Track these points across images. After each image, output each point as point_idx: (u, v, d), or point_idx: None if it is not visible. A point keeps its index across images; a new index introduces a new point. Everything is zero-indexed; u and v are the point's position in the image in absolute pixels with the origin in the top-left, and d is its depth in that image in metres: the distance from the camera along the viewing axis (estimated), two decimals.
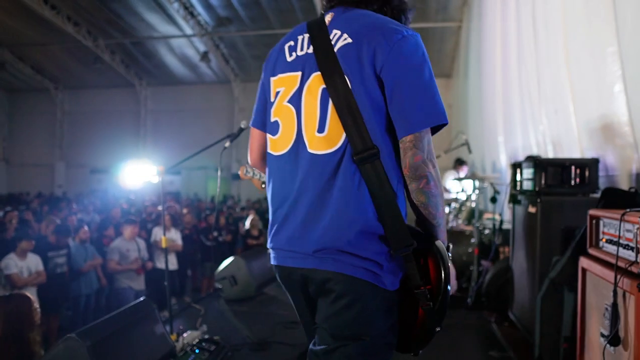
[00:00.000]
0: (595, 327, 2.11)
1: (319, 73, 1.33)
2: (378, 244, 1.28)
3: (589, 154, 3.72)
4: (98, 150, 19.06)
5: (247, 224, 10.02)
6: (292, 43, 1.45)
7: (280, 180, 1.41)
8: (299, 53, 1.40)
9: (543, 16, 4.96)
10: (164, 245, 3.35)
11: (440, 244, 1.29)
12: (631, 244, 1.86)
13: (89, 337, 2.33)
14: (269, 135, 1.45)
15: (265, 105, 1.51)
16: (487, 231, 5.08)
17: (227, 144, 3.09)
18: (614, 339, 1.87)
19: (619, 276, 1.85)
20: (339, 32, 1.35)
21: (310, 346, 1.43)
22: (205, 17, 14.11)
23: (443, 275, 1.26)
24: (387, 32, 1.31)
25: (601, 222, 2.17)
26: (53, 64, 17.67)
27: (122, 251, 6.20)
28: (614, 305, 1.87)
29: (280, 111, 1.40)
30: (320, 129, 1.32)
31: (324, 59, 1.32)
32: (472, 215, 5.06)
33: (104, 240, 7.06)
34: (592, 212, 2.25)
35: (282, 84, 1.42)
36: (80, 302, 6.21)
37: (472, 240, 4.92)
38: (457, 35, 13.91)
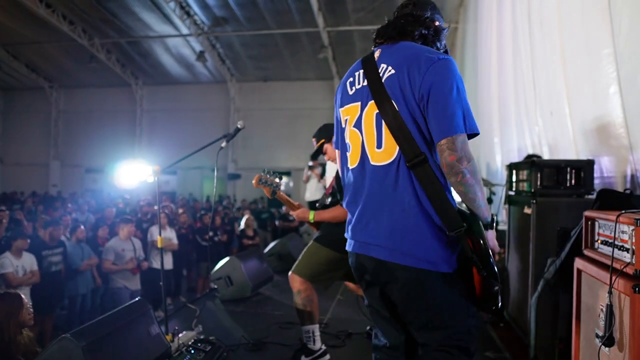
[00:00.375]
0: (591, 328, 2.12)
1: (372, 101, 1.68)
2: (435, 232, 1.60)
3: (584, 156, 3.74)
4: (93, 149, 18.99)
5: (242, 224, 10.01)
6: (351, 79, 1.81)
7: (354, 187, 1.79)
8: (357, 87, 1.77)
9: (539, 18, 4.98)
10: (159, 244, 3.34)
11: (480, 221, 1.64)
12: (626, 246, 1.87)
13: (83, 337, 2.32)
14: (347, 154, 1.83)
15: (339, 131, 1.91)
16: None
17: (224, 144, 3.08)
18: (609, 340, 1.88)
19: (614, 277, 1.86)
20: (385, 66, 1.70)
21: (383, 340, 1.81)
22: (201, 16, 14.09)
23: (482, 243, 1.60)
24: (423, 60, 1.62)
25: (596, 224, 2.18)
26: (48, 62, 17.59)
27: (117, 251, 6.18)
28: (609, 306, 1.88)
29: (350, 135, 1.79)
30: (378, 146, 1.68)
31: (375, 90, 1.68)
32: None
33: (99, 240, 7.03)
34: (587, 213, 2.25)
35: (348, 113, 1.80)
36: (76, 302, 6.18)
37: None
38: (453, 37, 13.93)
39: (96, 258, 6.39)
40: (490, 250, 1.61)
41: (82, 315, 6.13)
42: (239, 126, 3.25)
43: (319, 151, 3.35)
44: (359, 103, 1.74)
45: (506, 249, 3.87)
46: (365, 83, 1.72)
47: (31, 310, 3.23)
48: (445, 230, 1.59)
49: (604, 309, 1.91)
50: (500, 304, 1.67)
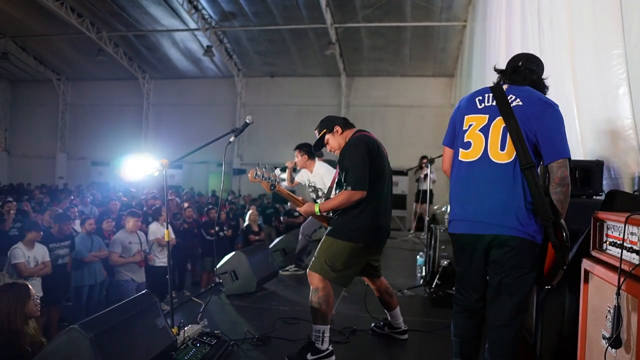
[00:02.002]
0: (597, 329, 2.12)
1: (501, 117, 2.33)
2: (532, 218, 2.28)
3: (592, 157, 3.72)
4: (99, 142, 19.06)
5: (247, 219, 10.03)
6: (480, 97, 2.47)
7: (468, 177, 2.40)
8: (486, 104, 2.42)
9: (548, 17, 4.95)
10: (166, 238, 3.35)
11: (563, 221, 2.28)
12: (635, 247, 1.86)
13: (91, 328, 2.33)
14: (461, 150, 2.45)
15: (454, 131, 2.54)
16: None
17: (232, 138, 3.09)
18: (616, 341, 1.88)
19: (622, 279, 1.85)
20: (513, 96, 2.37)
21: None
22: (209, 11, 14.09)
23: (564, 236, 2.24)
24: (542, 102, 2.36)
25: (605, 225, 2.18)
26: (56, 55, 17.66)
27: (124, 243, 6.23)
28: (617, 307, 1.88)
29: (473, 136, 2.41)
30: (502, 149, 2.32)
31: (504, 111, 2.33)
32: None
33: (105, 233, 7.06)
34: (596, 214, 2.25)
35: (474, 120, 2.43)
36: (82, 293, 6.22)
37: None
38: (462, 35, 13.88)
39: (106, 250, 6.42)
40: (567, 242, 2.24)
41: (88, 306, 6.17)
42: (248, 121, 3.25)
43: (322, 142, 3.35)
44: (487, 116, 2.38)
45: None
46: (494, 103, 2.38)
47: (38, 301, 3.26)
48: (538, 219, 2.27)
49: (612, 311, 1.91)
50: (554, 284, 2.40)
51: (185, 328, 3.23)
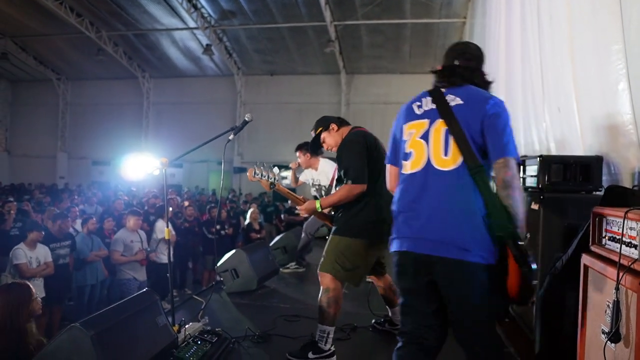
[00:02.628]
0: (597, 324, 2.12)
1: (441, 120, 2.10)
2: (488, 235, 1.97)
3: (591, 152, 3.72)
4: (100, 142, 19.07)
5: (248, 217, 10.04)
6: (419, 103, 2.23)
7: (410, 189, 2.13)
8: (425, 108, 2.19)
9: (548, 13, 4.94)
10: (166, 236, 3.36)
11: (518, 231, 1.99)
12: (634, 242, 1.86)
13: (92, 326, 2.34)
14: (403, 162, 2.19)
15: (396, 146, 2.28)
16: None
17: (231, 136, 3.09)
18: (615, 336, 1.88)
19: (621, 274, 1.86)
20: (453, 96, 2.14)
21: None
22: (208, 9, 14.08)
23: (523, 248, 1.97)
24: (484, 99, 2.11)
25: (604, 220, 2.18)
26: (56, 55, 17.66)
27: (126, 242, 6.25)
28: (616, 302, 1.88)
29: (414, 145, 2.15)
30: (445, 154, 2.06)
31: (445, 112, 2.10)
32: None
33: (105, 232, 7.08)
34: (595, 209, 2.25)
35: (413, 128, 2.19)
36: (84, 292, 6.25)
37: None
38: (461, 32, 13.86)
39: (105, 250, 6.45)
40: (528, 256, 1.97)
41: (90, 305, 6.19)
42: (247, 119, 3.25)
43: (317, 140, 3.35)
44: (427, 120, 2.15)
45: None
46: (434, 107, 2.15)
47: (39, 300, 3.26)
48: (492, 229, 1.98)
49: (611, 305, 1.91)
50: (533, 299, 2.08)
51: (187, 326, 3.24)
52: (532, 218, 3.33)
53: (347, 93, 17.53)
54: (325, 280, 3.03)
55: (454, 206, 2.00)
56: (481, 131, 2.05)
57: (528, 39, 5.78)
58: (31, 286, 3.25)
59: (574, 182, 3.12)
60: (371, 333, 3.61)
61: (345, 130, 3.27)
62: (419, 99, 2.26)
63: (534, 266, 1.97)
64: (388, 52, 15.77)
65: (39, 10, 13.41)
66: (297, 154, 5.43)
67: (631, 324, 1.83)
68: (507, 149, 2.02)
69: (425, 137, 2.13)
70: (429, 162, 2.09)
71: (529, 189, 3.45)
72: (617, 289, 1.87)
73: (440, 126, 2.10)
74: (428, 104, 2.19)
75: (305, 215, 4.12)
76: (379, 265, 3.38)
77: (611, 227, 2.11)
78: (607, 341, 1.93)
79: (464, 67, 2.26)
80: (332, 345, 3.03)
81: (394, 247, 2.17)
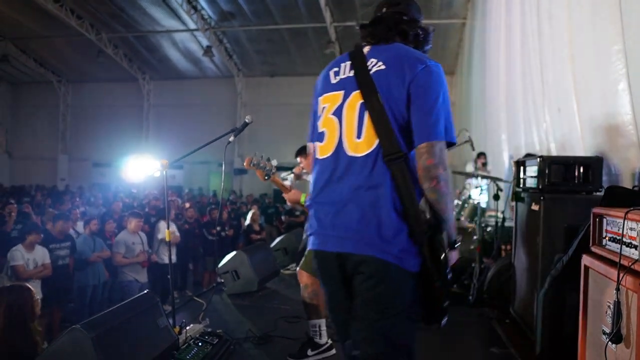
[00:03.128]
0: (597, 325, 2.12)
1: (358, 91, 1.66)
2: (402, 231, 1.57)
3: (591, 153, 3.72)
4: (100, 143, 19.07)
5: (248, 218, 10.04)
6: (336, 69, 1.79)
7: (323, 178, 1.71)
8: (342, 76, 1.74)
9: (548, 13, 4.94)
10: (167, 238, 3.36)
11: (444, 235, 1.62)
12: (634, 242, 1.86)
13: (93, 328, 2.34)
14: (317, 144, 1.76)
15: (315, 122, 1.83)
16: (489, 229, 5.09)
17: (232, 138, 3.09)
18: (616, 337, 1.88)
19: (621, 274, 1.86)
20: (375, 60, 1.70)
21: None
22: (208, 11, 14.09)
23: (442, 260, 1.60)
24: (412, 62, 1.64)
25: (604, 220, 2.18)
26: (56, 57, 17.67)
27: (128, 244, 6.27)
28: (617, 303, 1.88)
29: (326, 123, 1.73)
30: (358, 136, 1.64)
31: (362, 81, 1.66)
32: (475, 212, 5.06)
33: (107, 234, 7.08)
34: (595, 210, 2.25)
35: (328, 101, 1.75)
36: (86, 293, 6.25)
37: (475, 238, 4.93)
38: (461, 32, 13.87)
39: (108, 251, 6.45)
40: (448, 266, 1.63)
41: (91, 307, 6.19)
42: (247, 120, 3.25)
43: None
44: (342, 92, 1.71)
45: (513, 245, 3.86)
46: (352, 74, 1.71)
47: (39, 301, 3.27)
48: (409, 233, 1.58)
49: (611, 306, 1.91)
50: (443, 322, 1.72)
51: (187, 327, 3.24)
52: (531, 219, 3.34)
53: None
54: (303, 277, 3.16)
55: (362, 198, 1.60)
56: (407, 105, 1.62)
57: (528, 39, 5.78)
58: (31, 287, 3.25)
59: (574, 183, 3.13)
60: None
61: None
62: (337, 63, 1.82)
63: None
64: None
65: (39, 12, 13.42)
66: (298, 159, 5.39)
67: (632, 325, 1.82)
68: (434, 131, 1.60)
69: (338, 113, 1.70)
70: (340, 146, 1.67)
71: (530, 190, 3.46)
72: (617, 289, 1.87)
73: (355, 99, 1.66)
74: (346, 70, 1.75)
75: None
76: None
77: (611, 228, 2.11)
78: (608, 342, 1.93)
79: (390, 13, 1.83)
80: (328, 338, 3.05)
81: (309, 244, 1.80)
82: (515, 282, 3.75)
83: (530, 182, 3.40)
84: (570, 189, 3.13)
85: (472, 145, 5.36)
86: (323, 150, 1.72)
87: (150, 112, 19.43)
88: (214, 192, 17.13)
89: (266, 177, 3.33)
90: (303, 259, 3.21)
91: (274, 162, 3.45)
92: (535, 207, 3.23)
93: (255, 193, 15.82)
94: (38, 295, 4.63)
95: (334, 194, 1.67)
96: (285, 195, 3.35)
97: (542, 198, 3.10)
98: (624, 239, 1.93)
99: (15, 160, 20.44)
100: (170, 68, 18.02)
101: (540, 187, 3.18)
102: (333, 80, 1.76)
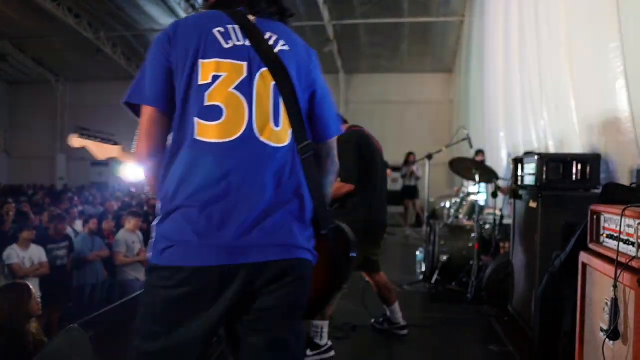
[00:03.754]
0: (595, 322, 2.12)
1: (266, 69, 1.40)
2: (310, 226, 1.45)
3: (589, 150, 3.73)
4: None
5: None
6: (222, 29, 1.41)
7: (217, 168, 1.32)
8: (237, 43, 1.41)
9: (545, 11, 4.95)
10: None
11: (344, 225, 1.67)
12: (632, 240, 1.87)
13: (91, 327, 2.34)
14: (200, 121, 1.34)
15: (168, 80, 1.39)
16: (487, 226, 5.09)
17: None
18: (613, 334, 1.88)
19: (619, 271, 1.86)
20: (274, 36, 1.46)
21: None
22: None
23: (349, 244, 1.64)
24: (308, 48, 1.57)
25: (602, 218, 2.18)
26: (54, 56, 17.63)
27: (128, 243, 6.29)
28: (614, 300, 1.88)
29: (224, 97, 1.35)
30: (276, 124, 1.40)
31: (270, 59, 1.42)
32: (473, 210, 5.07)
33: (105, 233, 7.08)
34: (593, 207, 2.25)
35: (223, 70, 1.37)
36: (85, 292, 6.26)
37: (473, 235, 4.93)
38: (460, 30, 13.87)
39: (107, 250, 6.46)
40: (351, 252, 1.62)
41: (90, 306, 6.19)
42: None
43: None
44: (245, 64, 1.39)
45: (511, 242, 3.87)
46: (248, 44, 1.41)
47: (39, 300, 3.27)
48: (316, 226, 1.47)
49: (609, 303, 1.91)
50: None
51: None
52: (529, 216, 3.34)
53: (345, 92, 17.52)
54: None
55: (285, 198, 1.39)
56: (310, 95, 1.51)
57: (526, 37, 5.79)
58: (31, 286, 3.25)
59: (572, 180, 3.13)
60: (370, 332, 3.61)
61: (342, 128, 3.28)
62: (217, 21, 1.43)
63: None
64: (386, 51, 15.78)
65: (36, 11, 13.39)
66: None
67: (629, 322, 1.83)
68: (338, 126, 1.59)
69: (244, 90, 1.38)
70: (251, 131, 1.36)
71: (528, 188, 3.46)
72: (615, 286, 1.88)
73: (267, 79, 1.40)
74: (238, 36, 1.42)
75: None
76: (372, 264, 3.39)
77: (609, 225, 2.11)
78: (605, 339, 1.93)
79: None
80: (328, 340, 3.04)
81: (174, 257, 1.28)
82: (513, 280, 3.75)
83: (528, 180, 3.40)
84: (568, 186, 3.13)
85: (470, 142, 5.36)
86: (219, 131, 1.33)
87: None
88: None
89: None
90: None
91: None
92: (533, 204, 3.23)
93: None
94: (37, 294, 4.64)
95: (245, 190, 1.33)
96: None
97: (540, 195, 3.10)
98: (622, 236, 1.93)
99: (13, 160, 20.42)
100: None
101: (538, 184, 3.18)
102: (225, 44, 1.40)
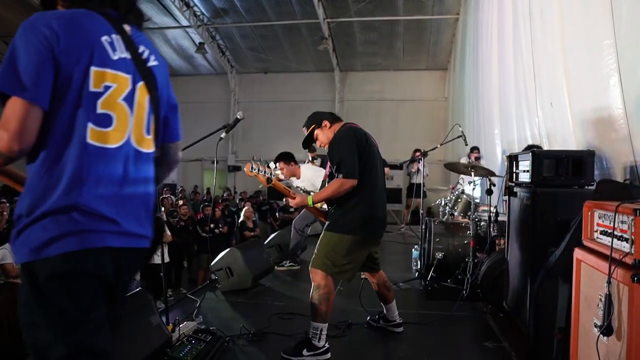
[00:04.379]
0: (589, 318, 2.13)
1: (143, 83, 1.58)
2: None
3: (583, 147, 3.73)
4: None
5: (242, 215, 10.03)
6: (107, 38, 1.50)
7: (117, 170, 1.50)
8: (121, 55, 1.52)
9: (539, 8, 4.96)
10: None
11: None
12: (626, 236, 1.87)
13: None
14: (92, 126, 1.44)
15: (54, 81, 1.39)
16: (483, 223, 5.10)
17: (223, 134, 3.09)
18: (607, 329, 1.89)
19: (613, 267, 1.86)
20: (147, 51, 1.63)
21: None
22: (201, 8, 14.03)
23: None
24: (165, 63, 1.75)
25: (596, 214, 2.18)
26: None
27: None
28: (608, 296, 1.89)
29: (114, 106, 1.49)
30: (147, 132, 1.61)
31: (145, 74, 1.59)
32: (468, 207, 5.08)
33: None
34: (587, 203, 2.26)
35: (113, 81, 1.49)
36: None
37: (468, 233, 4.94)
38: (454, 28, 13.88)
39: None
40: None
41: None
42: (238, 116, 3.25)
43: (310, 138, 3.35)
44: (129, 77, 1.53)
45: (506, 239, 3.87)
46: (129, 56, 1.54)
47: None
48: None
49: (603, 299, 1.92)
50: None
51: (181, 325, 3.23)
52: (524, 213, 3.35)
53: (340, 90, 17.53)
54: (317, 277, 3.03)
55: (151, 197, 1.62)
56: (168, 106, 1.74)
57: (520, 34, 5.80)
58: None
59: (566, 177, 3.13)
60: (366, 330, 3.61)
61: (337, 127, 3.28)
62: (101, 26, 1.51)
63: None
64: (381, 49, 15.78)
65: (28, 9, 13.30)
66: (279, 166, 5.30)
67: (623, 317, 1.83)
68: (180, 131, 1.84)
69: (129, 101, 1.53)
70: (130, 138, 1.54)
71: (523, 184, 3.46)
72: (608, 282, 1.88)
73: (143, 93, 1.58)
74: (121, 47, 1.53)
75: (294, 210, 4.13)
76: (373, 262, 3.39)
77: (603, 221, 2.11)
78: (599, 335, 1.94)
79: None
80: (326, 342, 3.03)
81: (72, 244, 1.39)
82: (508, 276, 3.76)
83: (523, 177, 3.41)
84: (562, 183, 3.14)
85: (465, 139, 5.37)
86: (109, 137, 1.47)
87: None
88: (207, 189, 17.09)
89: (268, 182, 3.35)
90: (315, 255, 3.10)
91: (272, 166, 3.47)
92: (527, 201, 3.24)
93: (250, 190, 15.80)
94: None
95: (128, 189, 1.53)
96: (291, 202, 3.37)
97: (534, 192, 3.11)
98: (615, 232, 1.93)
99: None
100: None
101: (532, 181, 3.18)
102: (113, 56, 1.49)
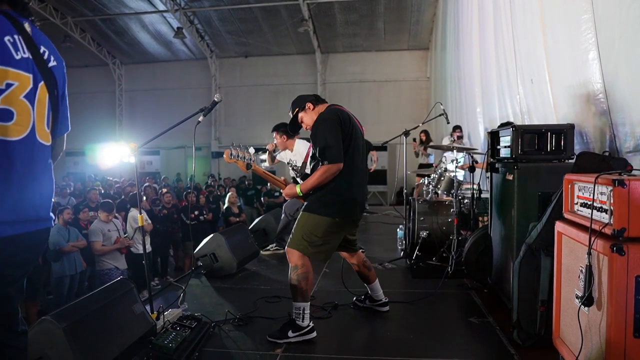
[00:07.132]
0: (571, 290, 2.15)
1: (44, 83, 1.74)
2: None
3: (564, 122, 3.75)
4: (73, 132, 17.30)
5: (226, 201, 9.97)
6: (10, 39, 1.63)
7: (19, 159, 1.65)
8: (23, 55, 1.67)
9: None
10: (140, 223, 3.29)
11: None
12: (605, 207, 1.88)
13: (64, 318, 2.28)
14: (6, 123, 1.61)
15: None
16: (466, 201, 5.13)
17: (201, 118, 3.02)
18: (588, 300, 1.91)
19: (593, 238, 1.87)
20: (47, 51, 1.79)
21: None
22: None
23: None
24: (63, 61, 1.90)
25: (576, 186, 2.19)
26: None
27: (104, 232, 6.23)
28: (589, 267, 1.90)
29: (16, 103, 1.64)
30: (47, 127, 1.79)
31: (45, 74, 1.75)
32: (452, 185, 5.09)
33: (81, 223, 6.95)
34: (567, 176, 2.26)
35: (15, 79, 1.64)
36: (64, 283, 6.16)
37: (452, 211, 4.96)
38: (435, 7, 13.80)
39: (84, 240, 6.37)
40: None
41: (69, 298, 6.10)
42: (216, 99, 3.19)
43: (296, 121, 3.31)
44: (31, 76, 1.70)
45: (489, 215, 3.89)
46: (30, 56, 1.70)
47: None
48: None
49: (584, 270, 1.93)
50: None
51: (165, 312, 3.20)
52: (506, 189, 3.36)
53: (322, 72, 17.39)
54: (293, 257, 3.04)
55: (47, 184, 1.81)
56: (62, 102, 1.90)
57: (500, 11, 5.77)
58: None
59: (547, 151, 3.14)
60: (352, 310, 3.62)
61: (321, 108, 3.24)
62: (6, 28, 1.64)
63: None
64: (362, 29, 15.65)
65: None
66: (274, 135, 5.43)
67: (603, 287, 1.85)
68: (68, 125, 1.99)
69: (30, 99, 1.69)
70: (33, 133, 1.71)
71: (504, 160, 3.47)
72: (589, 253, 1.89)
73: (43, 93, 1.75)
74: (23, 47, 1.68)
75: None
76: (350, 243, 3.39)
77: (583, 194, 2.12)
78: (580, 305, 1.95)
79: None
80: (310, 321, 3.03)
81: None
82: (492, 252, 3.79)
83: (504, 152, 3.41)
84: (543, 157, 3.15)
85: (446, 117, 5.35)
86: (13, 131, 1.63)
87: (123, 97, 19.02)
88: (190, 176, 16.95)
89: (248, 167, 3.30)
90: (291, 236, 3.11)
91: (252, 150, 3.41)
92: (509, 176, 3.25)
93: (234, 175, 15.69)
94: None
95: (27, 179, 1.69)
96: (284, 193, 3.35)
97: (515, 167, 3.11)
98: (595, 204, 1.94)
99: None
100: (141, 51, 17.60)
101: (513, 156, 3.19)
102: (16, 56, 1.64)
